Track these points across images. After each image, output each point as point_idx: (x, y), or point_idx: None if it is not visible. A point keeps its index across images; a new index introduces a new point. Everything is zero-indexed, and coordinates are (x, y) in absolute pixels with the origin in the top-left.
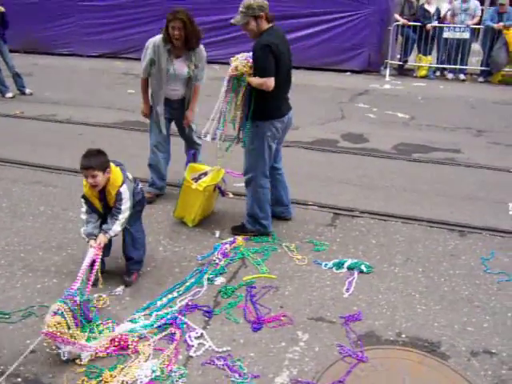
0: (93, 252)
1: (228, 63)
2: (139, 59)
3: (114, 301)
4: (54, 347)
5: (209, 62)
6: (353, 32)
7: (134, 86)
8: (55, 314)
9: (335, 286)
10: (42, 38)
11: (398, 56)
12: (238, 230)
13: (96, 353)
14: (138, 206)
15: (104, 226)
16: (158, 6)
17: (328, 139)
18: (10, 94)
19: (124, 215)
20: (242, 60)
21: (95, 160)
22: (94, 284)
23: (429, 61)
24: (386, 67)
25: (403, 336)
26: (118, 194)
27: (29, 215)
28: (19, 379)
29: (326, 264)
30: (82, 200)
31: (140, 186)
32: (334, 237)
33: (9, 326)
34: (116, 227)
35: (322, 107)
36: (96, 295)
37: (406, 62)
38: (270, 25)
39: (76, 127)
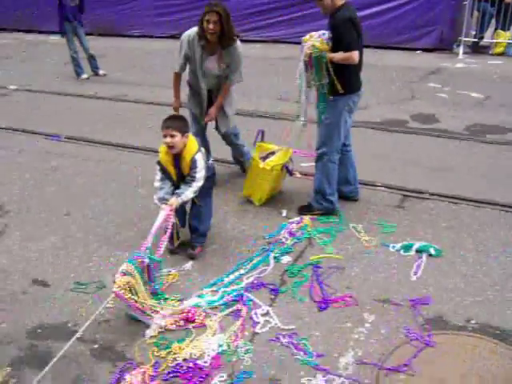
0: (164, 214)
1: (294, 42)
2: None
3: (182, 276)
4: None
5: (275, 42)
6: (425, 8)
7: None
8: (124, 274)
9: (403, 268)
10: (114, 20)
11: (473, 32)
12: (305, 209)
13: (165, 325)
14: (208, 181)
15: (177, 191)
16: None
17: (397, 119)
18: (84, 76)
19: (197, 183)
20: (316, 38)
21: (176, 122)
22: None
23: (507, 36)
24: (459, 45)
25: (473, 322)
26: (193, 161)
27: (102, 191)
28: (96, 345)
29: (394, 246)
30: (157, 166)
31: (211, 161)
32: (402, 219)
33: (85, 295)
34: (189, 193)
35: (391, 87)
36: (165, 270)
37: (481, 38)
38: (344, 1)
39: (146, 107)
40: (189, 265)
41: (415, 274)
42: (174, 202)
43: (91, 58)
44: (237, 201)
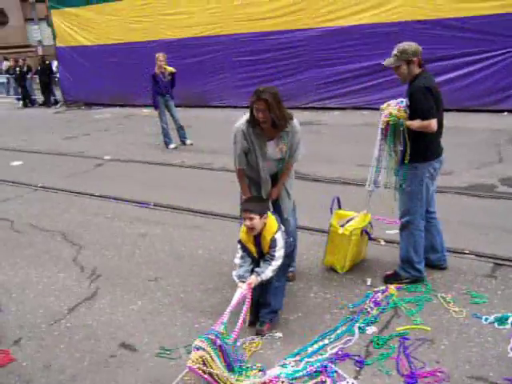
0: (240, 292)
1: (375, 109)
2: (289, 108)
3: (266, 345)
4: None
5: (356, 108)
6: (508, 70)
7: None
8: (197, 349)
9: (498, 343)
10: (200, 93)
11: None
12: (392, 278)
13: None
14: (286, 258)
15: (257, 269)
16: (303, 56)
17: (484, 184)
18: (172, 146)
19: (277, 262)
20: (394, 107)
21: (255, 204)
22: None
23: None
24: None
25: None
26: (273, 240)
27: (188, 258)
28: None
29: (487, 318)
30: (239, 245)
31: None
32: (494, 289)
33: (169, 361)
34: (268, 272)
35: (476, 150)
36: (249, 338)
37: None
38: (422, 69)
39: (231, 174)
40: (274, 334)
41: None
42: (254, 280)
43: (180, 129)
44: (321, 268)
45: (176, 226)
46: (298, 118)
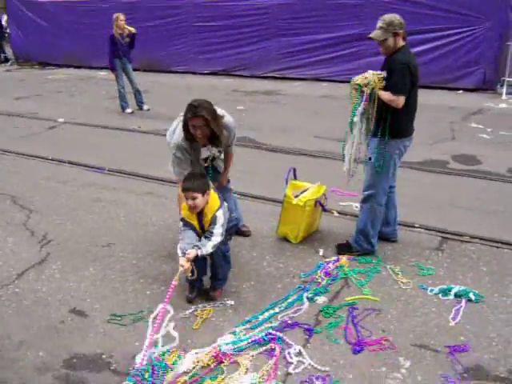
0: (182, 264)
1: (336, 81)
2: (249, 76)
3: (217, 312)
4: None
5: (316, 80)
6: (467, 49)
7: (243, 103)
8: None
9: (441, 313)
10: (158, 57)
11: None
12: (344, 249)
13: (197, 361)
14: (228, 234)
15: (197, 243)
16: (265, 25)
17: (438, 160)
18: (129, 110)
19: (217, 238)
20: (374, 75)
21: (196, 182)
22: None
23: None
24: (502, 85)
25: None
26: (214, 217)
27: (142, 224)
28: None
29: (432, 289)
30: (181, 222)
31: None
32: (441, 261)
33: (120, 327)
34: (208, 247)
35: (431, 127)
36: (201, 305)
37: None
38: (404, 43)
39: None
40: (224, 301)
41: (454, 319)
42: (193, 253)
43: (137, 93)
44: (274, 238)
45: (130, 192)
46: (257, 87)
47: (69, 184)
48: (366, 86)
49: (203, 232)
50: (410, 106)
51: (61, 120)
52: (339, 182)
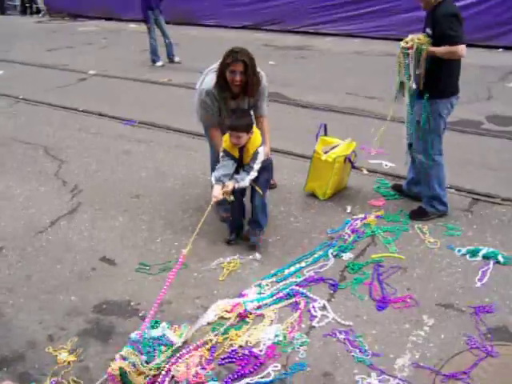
0: (216, 192)
1: (368, 37)
2: (280, 31)
3: (244, 265)
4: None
5: (348, 35)
6: (508, 4)
7: (275, 58)
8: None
9: (467, 274)
10: (189, 10)
11: None
12: (419, 215)
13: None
14: (267, 171)
15: (236, 176)
16: None
17: (471, 120)
18: (160, 63)
19: (254, 173)
20: (417, 36)
21: (243, 121)
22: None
23: None
24: None
25: None
26: (256, 153)
27: (171, 177)
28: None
29: (460, 250)
30: (222, 153)
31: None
32: (470, 223)
33: (148, 276)
34: (246, 181)
35: (467, 86)
36: (229, 258)
37: None
38: None
39: None
40: (251, 255)
41: (480, 280)
42: (230, 185)
43: (169, 45)
44: (302, 194)
45: (160, 145)
46: (288, 42)
47: (99, 135)
48: (411, 49)
49: (242, 166)
50: (456, 63)
51: (91, 72)
52: (369, 139)
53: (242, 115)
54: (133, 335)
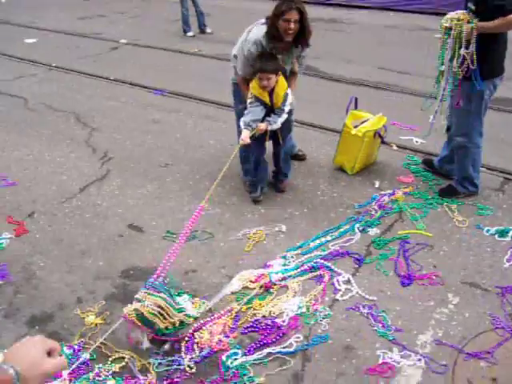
0: (245, 135)
1: (403, 10)
2: (313, 3)
3: (270, 236)
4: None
5: (383, 9)
6: None
7: None
8: (138, 301)
9: (495, 253)
10: None
11: None
12: (447, 192)
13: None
14: (290, 114)
15: (268, 118)
16: None
17: (506, 98)
18: (190, 33)
19: (285, 115)
20: (461, 13)
21: (272, 64)
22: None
23: None
24: None
25: None
26: (286, 94)
27: (199, 147)
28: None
29: (489, 230)
30: (251, 99)
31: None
32: (500, 203)
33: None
34: (278, 123)
35: (506, 61)
36: (254, 229)
37: None
38: None
39: None
40: (277, 226)
41: (508, 261)
42: (264, 126)
43: (200, 15)
44: (330, 167)
45: (189, 115)
46: (321, 14)
47: (129, 104)
48: (452, 29)
49: (272, 110)
50: (502, 41)
51: (123, 41)
52: (401, 114)
53: (270, 58)
54: (149, 281)
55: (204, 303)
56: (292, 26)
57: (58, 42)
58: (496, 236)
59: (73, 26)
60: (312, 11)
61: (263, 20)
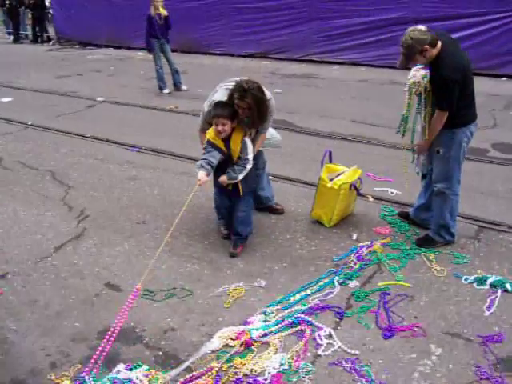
0: (200, 177)
1: (374, 65)
2: (286, 59)
3: (249, 292)
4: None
5: (354, 64)
6: (510, 35)
7: (281, 86)
8: None
9: (475, 302)
10: (196, 38)
11: None
12: (424, 242)
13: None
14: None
15: (230, 169)
16: (304, 7)
17: (477, 148)
18: (166, 90)
19: (249, 166)
20: (423, 73)
21: (227, 110)
22: None
23: None
24: None
25: None
26: (244, 142)
27: (176, 203)
28: (160, 352)
29: (467, 278)
30: (206, 144)
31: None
32: (477, 251)
33: (153, 303)
34: (239, 175)
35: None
36: (233, 285)
37: None
38: (439, 46)
39: None
40: (257, 281)
41: (488, 309)
42: (224, 179)
43: (175, 73)
44: (307, 220)
45: (166, 171)
46: (295, 70)
47: (106, 161)
48: (416, 87)
49: (230, 160)
50: (469, 95)
51: (100, 99)
52: (375, 166)
53: (225, 105)
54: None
55: (165, 373)
56: (241, 111)
57: (34, 101)
58: (475, 284)
59: (50, 85)
60: (286, 67)
61: (233, 81)
